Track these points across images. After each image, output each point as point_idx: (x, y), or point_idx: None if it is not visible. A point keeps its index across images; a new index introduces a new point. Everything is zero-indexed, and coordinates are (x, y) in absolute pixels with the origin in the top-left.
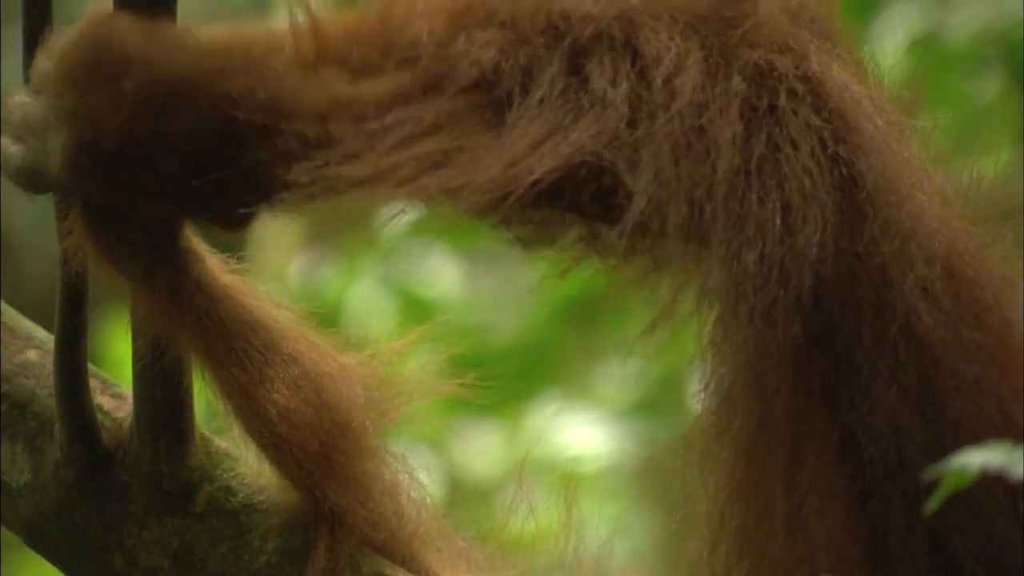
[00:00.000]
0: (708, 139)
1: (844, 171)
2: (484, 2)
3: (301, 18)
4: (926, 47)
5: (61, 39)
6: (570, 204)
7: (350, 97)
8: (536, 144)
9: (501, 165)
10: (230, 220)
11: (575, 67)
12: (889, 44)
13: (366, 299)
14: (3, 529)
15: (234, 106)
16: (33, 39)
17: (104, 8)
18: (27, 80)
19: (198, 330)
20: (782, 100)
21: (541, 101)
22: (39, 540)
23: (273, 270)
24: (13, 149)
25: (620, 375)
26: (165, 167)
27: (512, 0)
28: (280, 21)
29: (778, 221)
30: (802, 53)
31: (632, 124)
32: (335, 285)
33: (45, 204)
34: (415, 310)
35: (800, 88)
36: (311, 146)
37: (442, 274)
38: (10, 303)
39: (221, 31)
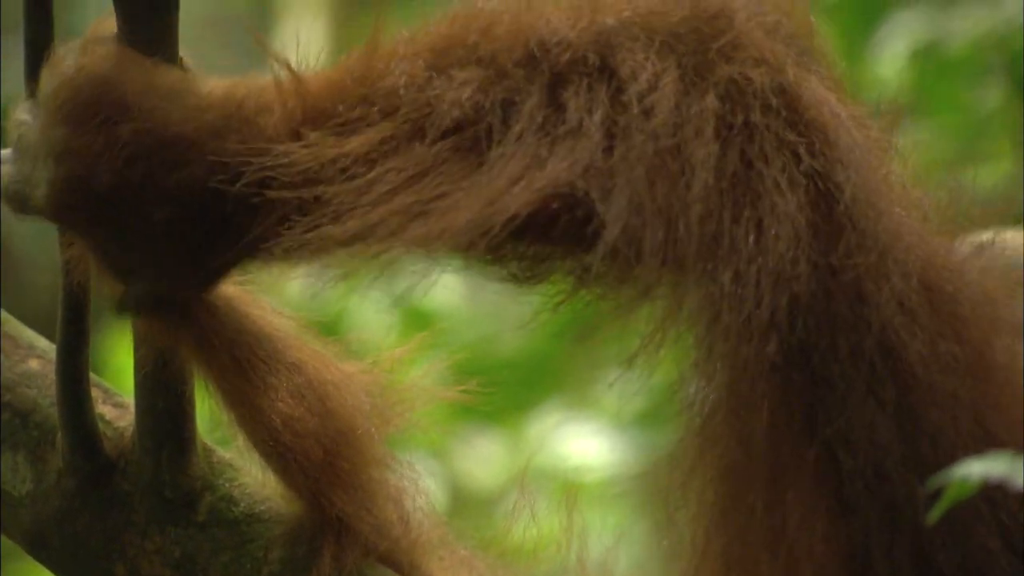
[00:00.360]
0: (683, 159)
1: (820, 185)
2: (462, 40)
3: (285, 76)
4: (927, 56)
5: (65, 55)
6: (546, 238)
7: (337, 155)
8: (513, 181)
9: (479, 206)
10: (209, 275)
11: (553, 97)
12: (891, 53)
13: (368, 309)
14: (5, 538)
15: (225, 170)
16: (35, 48)
17: (105, 36)
18: (30, 94)
19: (201, 340)
20: (756, 116)
21: (520, 135)
22: (41, 549)
23: (275, 279)
24: (5, 168)
25: (622, 385)
26: (153, 215)
27: (490, 35)
28: (273, 63)
29: (751, 239)
30: (778, 66)
31: (608, 151)
32: (337, 295)
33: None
34: (417, 320)
35: (775, 102)
36: (299, 210)
37: (444, 284)
38: (12, 312)
39: (218, 83)
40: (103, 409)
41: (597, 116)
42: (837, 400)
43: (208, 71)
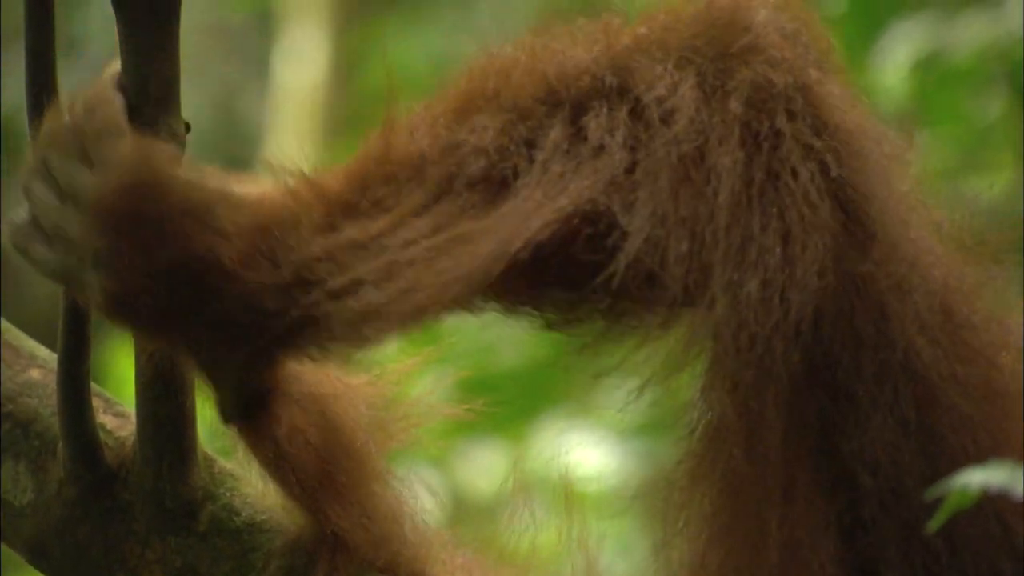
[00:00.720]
0: (707, 167)
1: (849, 194)
2: (481, 92)
3: (300, 186)
4: (929, 66)
5: (72, 106)
6: (569, 263)
7: (367, 239)
8: (537, 207)
9: (502, 236)
10: (262, 368)
11: (575, 124)
12: (893, 63)
13: None
14: (6, 548)
15: (264, 293)
16: (36, 57)
17: (112, 80)
18: (33, 135)
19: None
20: (781, 120)
21: (544, 165)
22: (42, 559)
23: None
24: (44, 253)
25: (624, 396)
26: (199, 332)
27: (508, 80)
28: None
29: (779, 249)
30: (799, 68)
31: (630, 167)
32: None
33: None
34: (419, 330)
35: (799, 105)
36: (339, 299)
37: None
38: (13, 322)
39: (247, 197)
40: (104, 419)
41: (618, 135)
42: (860, 418)
43: (209, 80)
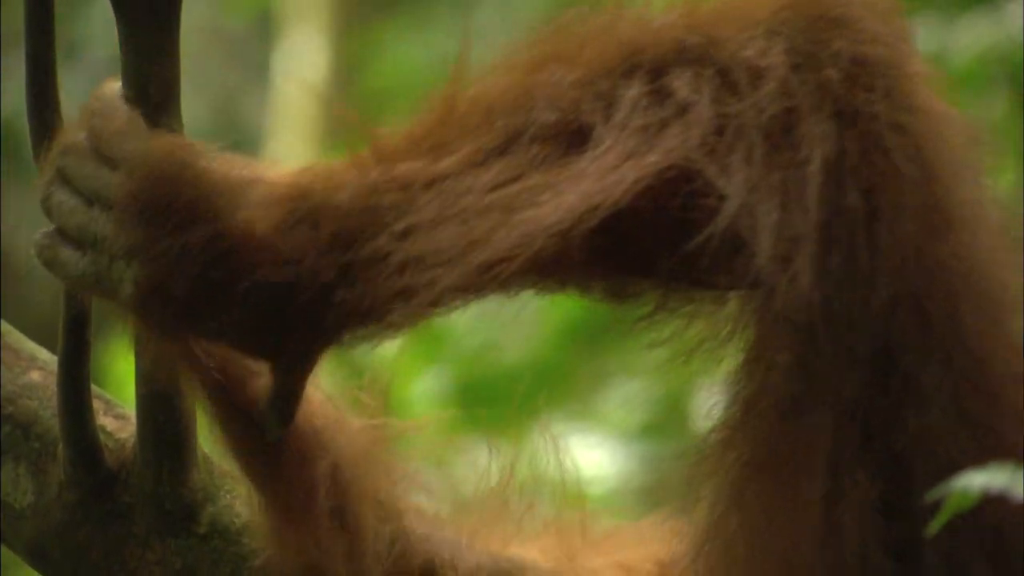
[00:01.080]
0: (799, 136)
1: (938, 178)
2: (554, 52)
3: (364, 144)
4: (930, 69)
5: (84, 116)
6: (654, 222)
7: (427, 180)
8: (620, 162)
9: (582, 192)
10: (309, 355)
11: (656, 83)
12: None
13: None
14: (6, 550)
15: (303, 262)
16: (36, 62)
17: (113, 94)
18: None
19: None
20: (876, 96)
21: (624, 123)
22: (42, 561)
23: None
24: (74, 259)
25: (626, 397)
26: (235, 312)
27: (581, 46)
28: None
29: (866, 229)
30: (893, 44)
31: (719, 130)
32: None
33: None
34: (419, 330)
35: (892, 83)
36: (385, 259)
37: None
38: (13, 324)
39: (284, 173)
40: (104, 421)
41: (705, 96)
42: (920, 404)
43: (209, 83)
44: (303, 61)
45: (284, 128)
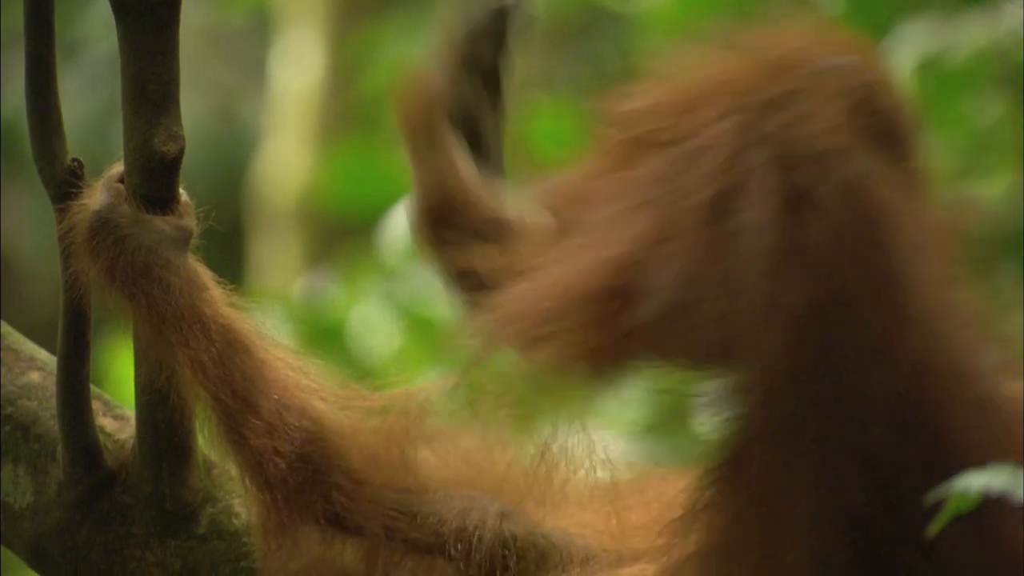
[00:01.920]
0: (735, 223)
1: (883, 275)
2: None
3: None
4: (929, 69)
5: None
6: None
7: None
8: (587, 250)
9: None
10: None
11: (628, 173)
12: (894, 66)
13: (370, 319)
14: (6, 550)
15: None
16: (36, 62)
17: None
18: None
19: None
20: (828, 183)
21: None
22: (42, 561)
23: (275, 291)
24: None
25: (627, 396)
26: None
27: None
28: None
29: (808, 318)
30: (838, 126)
31: (667, 217)
32: (339, 305)
33: (47, 227)
34: (419, 329)
35: (827, 171)
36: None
37: (446, 292)
38: (13, 325)
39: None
40: (103, 421)
41: (664, 180)
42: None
43: (208, 83)
44: (301, 62)
45: (283, 128)
